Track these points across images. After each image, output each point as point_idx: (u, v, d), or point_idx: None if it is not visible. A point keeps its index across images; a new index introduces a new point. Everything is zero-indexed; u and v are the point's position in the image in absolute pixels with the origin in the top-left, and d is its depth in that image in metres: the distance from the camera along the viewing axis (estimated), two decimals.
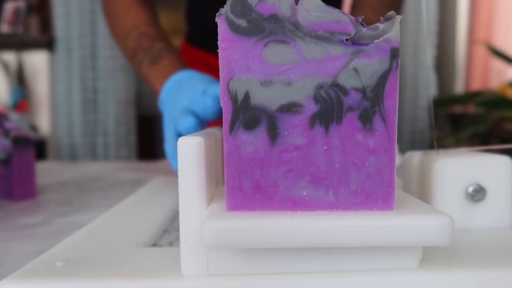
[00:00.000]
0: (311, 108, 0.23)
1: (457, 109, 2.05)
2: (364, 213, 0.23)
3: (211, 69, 0.81)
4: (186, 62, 0.87)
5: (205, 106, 0.42)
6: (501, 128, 1.57)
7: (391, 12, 0.23)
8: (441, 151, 0.34)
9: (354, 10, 0.60)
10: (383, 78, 0.23)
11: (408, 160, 0.36)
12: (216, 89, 0.43)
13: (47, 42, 2.02)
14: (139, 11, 0.58)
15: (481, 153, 0.35)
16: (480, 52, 2.09)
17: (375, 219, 0.22)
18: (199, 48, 0.82)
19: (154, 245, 0.32)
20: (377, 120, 0.23)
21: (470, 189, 0.31)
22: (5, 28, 2.05)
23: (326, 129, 0.23)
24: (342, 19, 0.22)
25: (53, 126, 2.05)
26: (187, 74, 0.49)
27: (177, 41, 0.95)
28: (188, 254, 0.24)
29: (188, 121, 0.41)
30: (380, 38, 0.22)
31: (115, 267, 0.25)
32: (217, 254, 0.24)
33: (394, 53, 0.23)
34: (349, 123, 0.23)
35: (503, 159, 0.32)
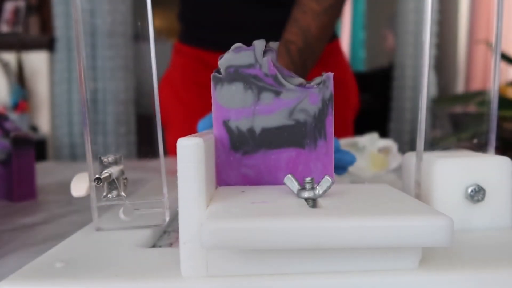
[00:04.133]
0: None
1: (458, 109, 2.05)
2: (363, 215, 0.23)
3: (205, 66, 0.81)
4: (180, 61, 0.87)
5: None
6: (502, 128, 1.57)
7: (324, 77, 0.30)
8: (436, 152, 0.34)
9: (297, 11, 0.59)
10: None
11: (407, 161, 0.36)
12: None
13: (47, 42, 2.02)
14: None
15: (480, 153, 0.35)
16: (480, 52, 2.09)
17: (374, 220, 0.22)
18: (193, 46, 0.82)
19: (154, 246, 0.32)
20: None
21: (470, 190, 0.31)
22: (5, 28, 2.05)
23: None
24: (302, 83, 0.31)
25: (53, 126, 2.05)
26: None
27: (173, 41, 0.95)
28: (187, 255, 0.24)
29: None
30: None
31: (114, 268, 0.25)
32: (217, 255, 0.24)
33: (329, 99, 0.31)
34: None
35: (502, 159, 0.32)
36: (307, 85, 0.31)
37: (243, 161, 0.31)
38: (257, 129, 0.31)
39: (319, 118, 0.31)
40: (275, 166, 0.31)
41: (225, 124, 0.31)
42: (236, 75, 0.30)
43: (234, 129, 0.31)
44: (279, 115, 0.31)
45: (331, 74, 0.31)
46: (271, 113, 0.30)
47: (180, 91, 0.84)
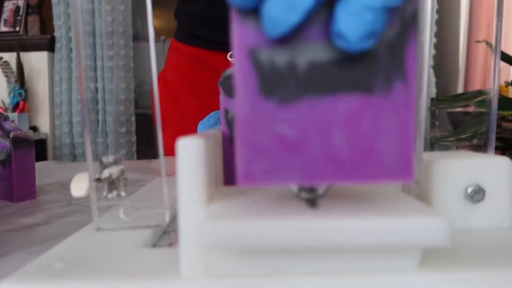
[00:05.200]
0: None
1: (458, 109, 2.05)
2: (362, 215, 0.23)
3: (202, 65, 0.81)
4: (176, 59, 0.87)
5: None
6: (502, 128, 1.57)
7: None
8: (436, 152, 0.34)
9: None
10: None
11: None
12: None
13: (47, 42, 2.02)
14: None
15: (480, 153, 0.35)
16: (480, 52, 2.09)
17: (374, 220, 0.22)
18: (189, 44, 0.82)
19: (154, 246, 0.32)
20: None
21: (469, 190, 0.31)
22: (5, 28, 2.05)
23: None
24: None
25: (53, 126, 2.05)
26: None
27: None
28: (187, 255, 0.24)
29: None
30: None
31: (114, 268, 0.25)
32: (217, 255, 0.24)
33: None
34: None
35: (502, 159, 0.32)
36: None
37: (279, 113, 0.21)
38: (302, 64, 0.20)
39: (396, 47, 0.20)
40: (329, 121, 0.21)
41: (252, 55, 0.20)
42: None
43: (265, 63, 0.20)
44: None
45: None
46: (323, 39, 0.20)
47: (175, 90, 0.84)
